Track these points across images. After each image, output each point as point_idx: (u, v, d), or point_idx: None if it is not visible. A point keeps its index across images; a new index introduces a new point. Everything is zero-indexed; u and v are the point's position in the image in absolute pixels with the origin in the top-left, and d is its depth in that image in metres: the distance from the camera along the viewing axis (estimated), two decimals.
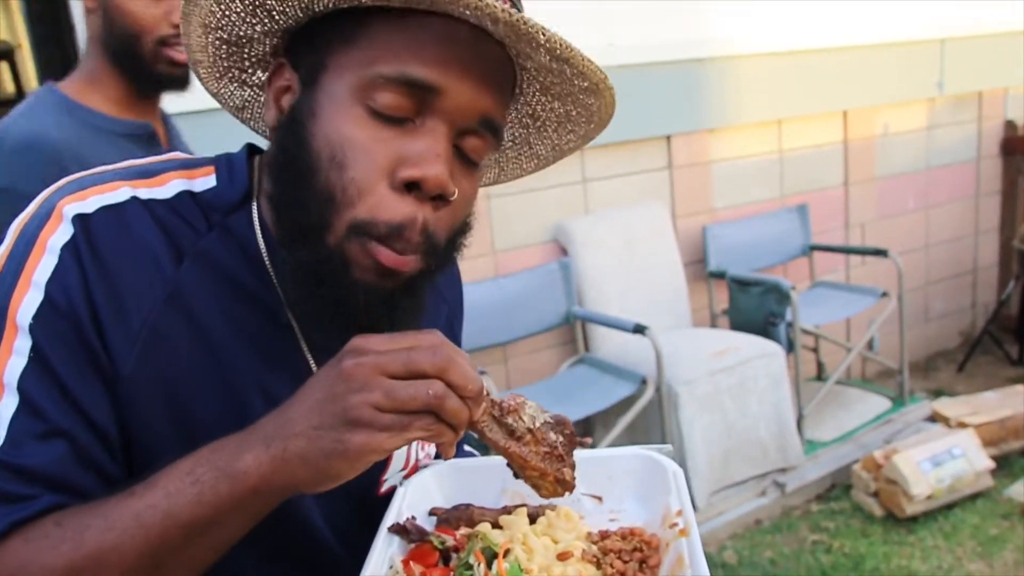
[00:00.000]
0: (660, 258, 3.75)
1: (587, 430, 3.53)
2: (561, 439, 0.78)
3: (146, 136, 1.75)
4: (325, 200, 0.75)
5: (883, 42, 4.30)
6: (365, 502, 0.93)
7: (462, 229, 0.83)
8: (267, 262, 0.84)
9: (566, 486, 0.78)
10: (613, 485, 0.93)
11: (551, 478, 0.77)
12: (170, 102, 2.35)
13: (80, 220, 0.75)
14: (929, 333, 4.97)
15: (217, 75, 0.90)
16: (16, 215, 0.78)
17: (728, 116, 3.94)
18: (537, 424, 0.77)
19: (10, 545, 0.70)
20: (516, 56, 0.82)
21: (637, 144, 3.74)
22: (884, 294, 4.02)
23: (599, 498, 0.92)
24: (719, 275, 3.87)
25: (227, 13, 0.80)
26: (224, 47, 0.86)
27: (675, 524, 0.80)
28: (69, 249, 0.74)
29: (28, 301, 0.73)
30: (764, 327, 3.61)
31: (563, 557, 0.78)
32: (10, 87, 5.48)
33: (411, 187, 0.75)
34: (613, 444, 3.15)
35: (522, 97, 0.90)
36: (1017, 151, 4.96)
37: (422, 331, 0.71)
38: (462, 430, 0.70)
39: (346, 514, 0.92)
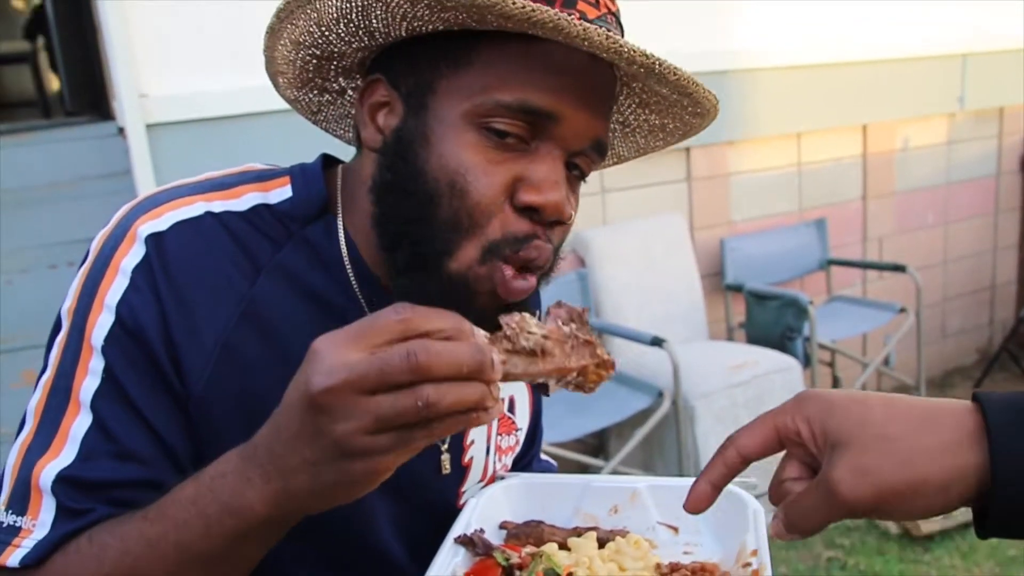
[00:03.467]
0: (677, 270, 3.74)
1: (602, 442, 3.52)
2: (573, 324, 0.71)
3: None
4: (450, 226, 0.74)
5: (904, 56, 4.29)
6: (445, 517, 0.92)
7: (563, 241, 0.84)
8: (350, 272, 0.83)
9: (606, 365, 0.71)
10: (690, 516, 0.90)
11: (591, 368, 0.70)
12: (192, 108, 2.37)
13: (154, 239, 0.76)
14: (946, 349, 4.94)
15: (299, 85, 0.90)
16: None
17: (747, 129, 3.93)
18: (548, 324, 0.70)
19: (56, 558, 0.72)
20: (623, 76, 0.82)
21: (656, 155, 3.70)
22: (902, 310, 4.00)
23: (675, 528, 0.91)
24: (736, 288, 3.86)
25: (327, 34, 0.80)
26: (313, 61, 0.85)
27: (748, 564, 0.78)
28: (141, 270, 0.75)
29: (101, 323, 0.75)
30: (781, 341, 3.59)
31: None
32: (30, 89, 5.54)
33: (528, 211, 0.75)
34: (628, 457, 3.14)
35: (615, 107, 0.89)
36: None
37: (387, 312, 0.60)
38: (491, 405, 0.60)
39: (422, 529, 0.91)
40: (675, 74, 0.75)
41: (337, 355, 0.58)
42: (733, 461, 0.67)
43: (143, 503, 0.74)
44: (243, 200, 0.82)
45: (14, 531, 0.73)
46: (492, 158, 0.74)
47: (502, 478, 0.98)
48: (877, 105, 4.30)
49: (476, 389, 0.59)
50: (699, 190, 3.88)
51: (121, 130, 2.89)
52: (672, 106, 0.84)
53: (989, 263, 5.04)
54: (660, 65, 0.73)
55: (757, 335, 3.74)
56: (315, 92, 0.91)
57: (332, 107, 0.94)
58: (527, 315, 0.69)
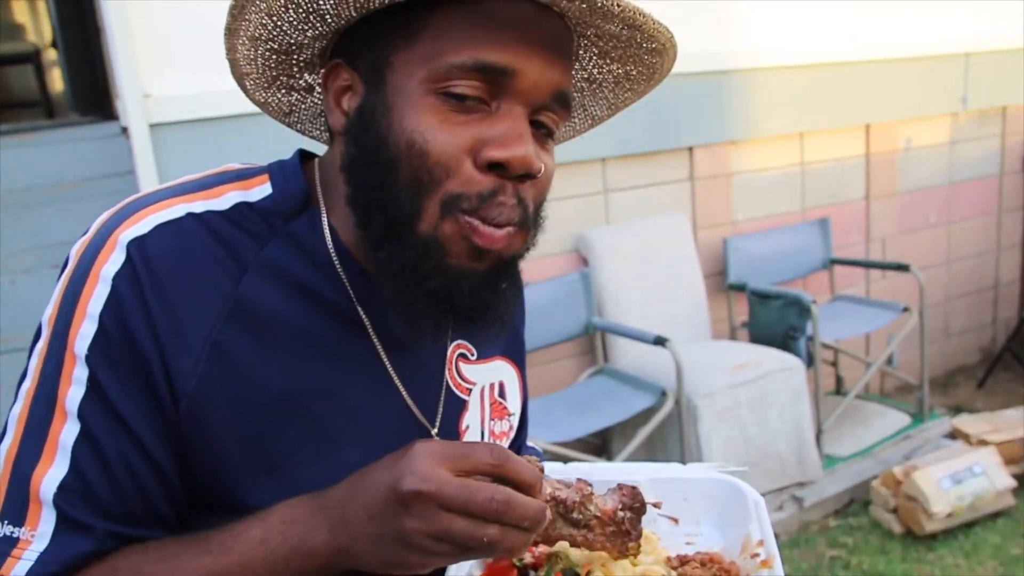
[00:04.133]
0: (680, 270, 3.74)
1: (605, 441, 3.53)
2: (629, 514, 0.79)
3: None
4: (412, 186, 0.75)
5: (907, 56, 4.29)
6: None
7: (543, 202, 0.84)
8: (337, 263, 0.84)
9: (628, 555, 0.80)
10: (689, 507, 0.92)
11: (615, 552, 0.79)
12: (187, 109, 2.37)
13: (136, 243, 0.76)
14: (949, 349, 4.94)
15: (265, 85, 0.90)
16: None
17: (750, 128, 3.93)
18: (607, 506, 0.78)
19: None
20: (577, 25, 0.82)
21: (659, 155, 3.73)
22: (905, 309, 4.00)
23: (675, 520, 0.91)
24: (739, 288, 3.86)
25: (279, 24, 0.80)
26: (273, 56, 0.86)
27: (756, 554, 0.80)
28: (122, 277, 0.75)
29: (84, 332, 0.74)
30: (784, 341, 3.60)
31: None
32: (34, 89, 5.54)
33: (494, 167, 0.75)
34: (631, 457, 3.14)
35: (578, 62, 0.90)
36: None
37: (484, 450, 0.70)
38: (521, 551, 0.72)
39: None
40: (619, 5, 0.75)
41: (434, 467, 0.68)
42: None
43: (138, 518, 0.76)
44: (224, 199, 0.82)
45: (11, 542, 0.73)
46: (452, 119, 0.75)
47: None
48: (880, 105, 4.30)
49: (526, 538, 0.70)
50: (702, 190, 3.88)
51: (124, 130, 2.89)
52: (629, 47, 0.85)
53: (992, 263, 5.04)
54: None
55: (760, 335, 3.74)
56: (283, 92, 0.92)
57: (303, 105, 0.95)
58: (595, 493, 0.79)
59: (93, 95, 3.90)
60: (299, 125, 0.98)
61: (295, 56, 0.86)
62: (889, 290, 4.48)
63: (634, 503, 0.79)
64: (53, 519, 0.73)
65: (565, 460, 0.96)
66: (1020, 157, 4.96)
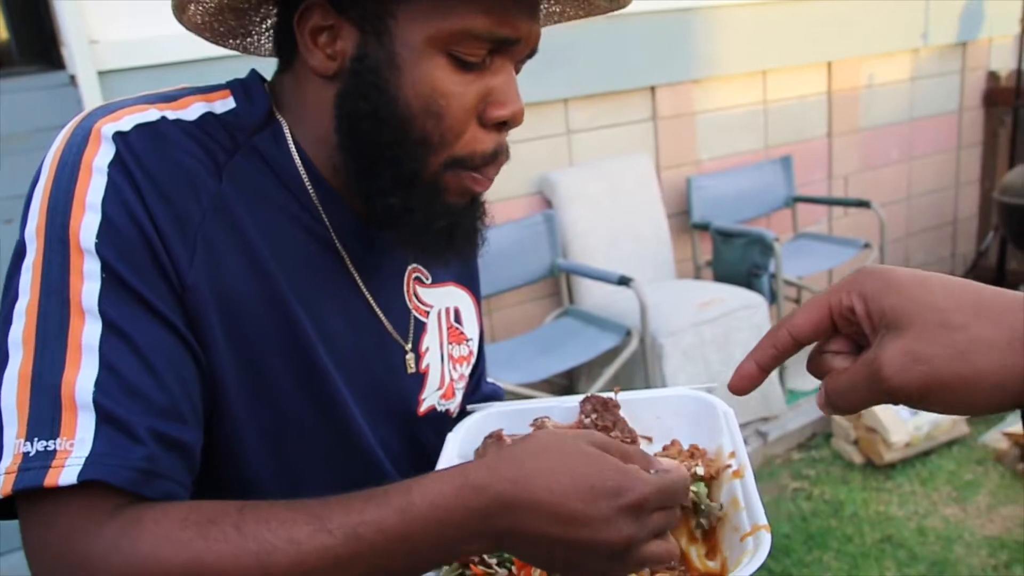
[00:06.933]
0: (644, 210, 3.75)
1: (571, 382, 3.56)
2: (595, 415, 0.81)
3: None
4: (421, 144, 0.80)
5: None
6: (406, 423, 0.97)
7: None
8: (308, 184, 0.85)
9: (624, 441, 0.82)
10: (661, 425, 0.94)
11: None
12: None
13: (120, 137, 0.74)
14: None
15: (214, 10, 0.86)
16: None
17: (713, 67, 3.91)
18: (568, 422, 0.80)
19: (162, 524, 0.65)
20: None
21: (621, 95, 3.70)
22: (866, 245, 4.05)
23: (649, 439, 0.93)
24: (703, 227, 3.88)
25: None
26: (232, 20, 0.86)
27: (728, 466, 0.83)
28: (116, 166, 0.73)
29: (87, 224, 0.71)
30: (747, 278, 3.63)
31: None
32: None
33: (497, 125, 0.82)
34: None
35: None
36: (999, 102, 4.96)
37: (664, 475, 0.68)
38: None
39: (392, 436, 0.96)
40: None
41: (640, 475, 0.66)
42: (784, 342, 0.64)
43: (183, 414, 0.72)
44: (191, 110, 0.81)
45: (48, 455, 0.65)
46: (462, 81, 0.79)
47: (472, 412, 1.00)
48: (842, 42, 4.29)
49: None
50: (665, 129, 3.86)
51: (72, 78, 2.81)
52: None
53: (951, 198, 5.11)
54: None
55: (724, 273, 3.77)
56: (231, 13, 0.87)
57: (249, 23, 0.91)
58: (547, 419, 0.82)
59: (38, 43, 3.77)
60: (231, 42, 0.93)
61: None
62: (851, 227, 4.53)
63: (596, 404, 0.82)
64: (93, 422, 0.66)
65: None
66: (979, 93, 4.99)
